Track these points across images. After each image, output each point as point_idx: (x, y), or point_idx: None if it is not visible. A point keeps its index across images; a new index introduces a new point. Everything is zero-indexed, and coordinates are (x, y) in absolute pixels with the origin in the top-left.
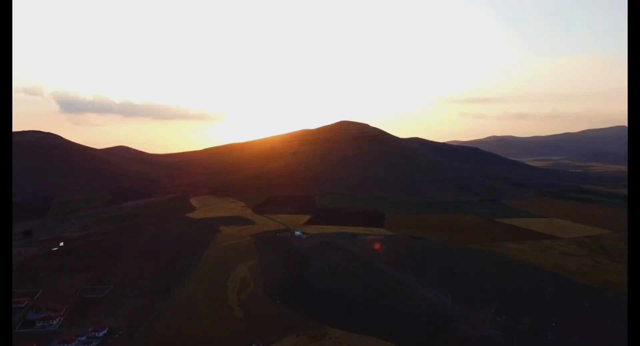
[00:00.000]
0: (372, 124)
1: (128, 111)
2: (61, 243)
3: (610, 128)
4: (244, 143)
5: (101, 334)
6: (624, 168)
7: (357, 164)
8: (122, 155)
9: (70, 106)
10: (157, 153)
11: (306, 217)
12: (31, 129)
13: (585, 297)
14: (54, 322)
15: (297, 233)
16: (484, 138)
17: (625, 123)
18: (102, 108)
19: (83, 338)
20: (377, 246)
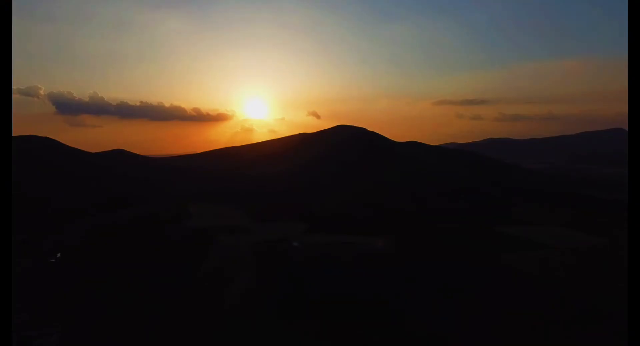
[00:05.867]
0: (370, 128)
1: (124, 112)
2: (58, 254)
3: (607, 130)
4: (242, 146)
5: None
6: (622, 170)
7: (355, 170)
8: (120, 159)
9: (66, 107)
10: (155, 155)
11: (305, 225)
12: (27, 132)
13: (584, 312)
14: (52, 340)
15: (295, 243)
16: (482, 140)
17: (622, 125)
18: (98, 110)
19: None
20: (375, 257)
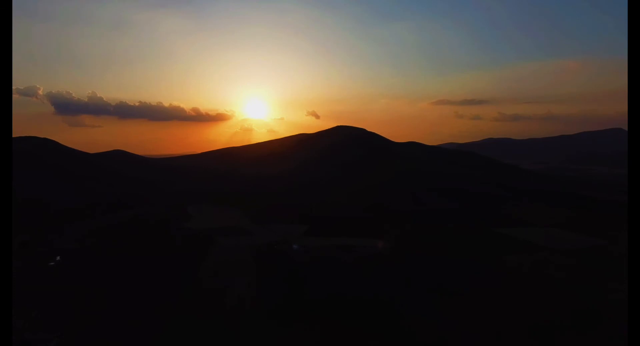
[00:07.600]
0: (369, 128)
1: (123, 112)
2: (58, 258)
3: (607, 130)
4: (241, 146)
5: None
6: (621, 171)
7: (355, 171)
8: (119, 160)
9: (65, 108)
10: (154, 155)
11: (305, 227)
12: (26, 133)
13: (583, 313)
14: (51, 341)
15: (295, 246)
16: (481, 140)
17: (622, 125)
18: (97, 110)
19: None
20: (375, 257)
